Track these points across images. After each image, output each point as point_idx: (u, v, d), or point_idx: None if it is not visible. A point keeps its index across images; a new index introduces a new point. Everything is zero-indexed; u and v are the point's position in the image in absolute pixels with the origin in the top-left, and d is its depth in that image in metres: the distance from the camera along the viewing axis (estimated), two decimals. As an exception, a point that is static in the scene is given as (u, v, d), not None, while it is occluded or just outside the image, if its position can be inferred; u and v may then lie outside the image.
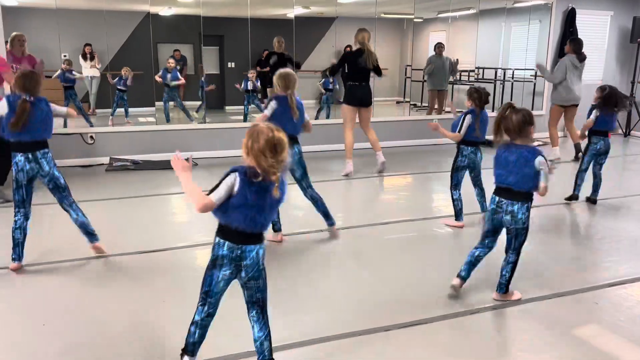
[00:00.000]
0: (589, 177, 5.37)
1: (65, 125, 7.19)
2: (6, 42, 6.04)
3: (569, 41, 7.59)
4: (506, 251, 3.24)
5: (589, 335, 2.95)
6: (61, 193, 3.69)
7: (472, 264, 3.28)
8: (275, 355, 2.46)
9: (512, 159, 3.03)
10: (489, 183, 3.52)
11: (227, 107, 9.80)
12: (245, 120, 8.60)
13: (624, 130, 9.73)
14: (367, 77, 6.46)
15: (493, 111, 7.42)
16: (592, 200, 5.39)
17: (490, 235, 3.25)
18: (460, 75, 10.17)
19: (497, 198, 3.15)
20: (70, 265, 3.78)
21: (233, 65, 9.96)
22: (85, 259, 3.86)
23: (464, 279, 3.29)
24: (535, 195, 3.10)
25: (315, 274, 3.74)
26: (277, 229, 4.30)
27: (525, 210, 3.09)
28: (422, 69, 9.68)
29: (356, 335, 2.88)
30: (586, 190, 5.45)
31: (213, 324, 2.42)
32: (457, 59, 9.32)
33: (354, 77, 6.46)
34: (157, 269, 3.74)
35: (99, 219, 4.83)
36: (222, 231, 2.26)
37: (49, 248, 4.00)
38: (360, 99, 6.48)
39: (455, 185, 4.57)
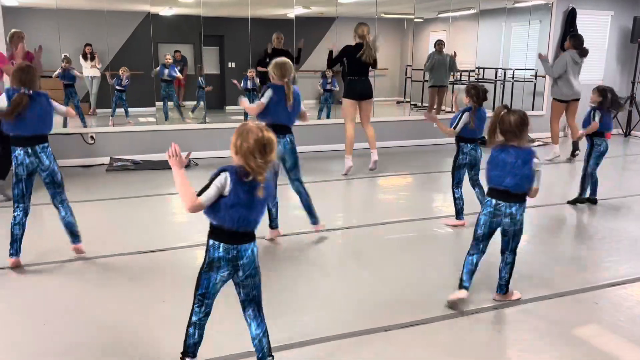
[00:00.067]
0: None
1: (65, 125, 7.19)
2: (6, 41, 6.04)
3: (569, 37, 7.61)
4: (503, 252, 3.22)
5: (589, 335, 2.95)
6: (56, 189, 3.70)
7: (473, 272, 3.21)
8: (275, 355, 2.46)
9: (510, 161, 2.99)
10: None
11: (227, 107, 9.80)
12: (245, 120, 8.59)
13: (625, 130, 9.73)
14: (367, 71, 6.47)
15: (493, 111, 7.40)
16: (592, 200, 5.39)
17: (485, 240, 3.18)
18: (461, 75, 10.17)
19: (494, 201, 3.09)
20: (70, 265, 3.77)
21: (233, 65, 9.96)
22: (85, 259, 3.86)
23: (468, 289, 3.19)
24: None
25: (315, 274, 3.74)
26: (274, 226, 4.30)
27: (522, 211, 3.09)
28: (422, 69, 9.69)
29: (356, 335, 2.88)
30: (577, 192, 5.44)
31: (213, 324, 2.42)
32: (455, 52, 9.30)
33: (353, 71, 6.46)
34: (157, 269, 3.74)
35: (99, 219, 4.85)
36: (215, 233, 2.25)
37: (49, 248, 4.00)
38: (361, 92, 6.49)
39: (457, 183, 4.57)
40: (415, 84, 10.49)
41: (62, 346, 2.76)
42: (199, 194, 2.16)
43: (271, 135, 2.19)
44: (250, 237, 2.29)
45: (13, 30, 5.84)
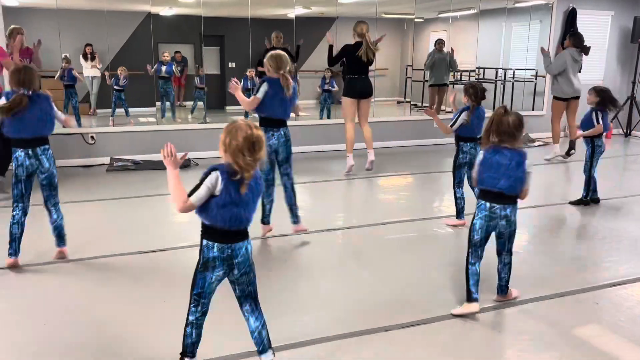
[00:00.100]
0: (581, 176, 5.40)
1: (64, 125, 7.19)
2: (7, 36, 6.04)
3: (569, 36, 7.61)
4: (500, 254, 3.20)
5: (589, 335, 2.95)
6: (51, 191, 3.69)
7: (478, 281, 3.13)
8: (275, 355, 2.46)
9: (505, 162, 2.96)
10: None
11: (227, 107, 9.80)
12: (246, 118, 8.59)
13: (625, 131, 9.73)
14: (367, 69, 6.45)
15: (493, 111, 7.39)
16: (595, 200, 5.40)
17: (482, 245, 3.12)
18: (461, 75, 10.17)
19: (488, 204, 3.04)
20: (70, 265, 3.78)
21: (234, 65, 9.97)
22: (84, 259, 3.86)
23: (478, 299, 3.11)
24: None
25: (315, 273, 3.74)
26: (266, 221, 4.28)
27: (516, 212, 3.08)
28: (422, 69, 9.69)
29: (356, 335, 2.88)
30: (577, 192, 5.44)
31: (212, 324, 2.42)
32: (452, 48, 9.28)
33: (353, 70, 6.44)
34: (157, 269, 3.74)
35: (99, 219, 4.86)
36: (208, 233, 2.25)
37: (49, 248, 3.99)
38: (361, 90, 6.48)
39: (459, 183, 4.57)
40: (416, 84, 10.49)
41: (62, 346, 2.76)
42: (190, 195, 2.16)
43: (260, 132, 2.18)
44: (244, 235, 2.29)
45: (12, 26, 5.83)
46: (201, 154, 6.96)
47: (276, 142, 4.06)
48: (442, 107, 9.61)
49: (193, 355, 2.41)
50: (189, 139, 7.24)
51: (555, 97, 7.59)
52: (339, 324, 2.99)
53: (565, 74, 7.35)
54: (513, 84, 9.96)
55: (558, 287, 3.49)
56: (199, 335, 2.40)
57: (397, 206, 5.48)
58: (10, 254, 3.64)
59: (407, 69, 10.66)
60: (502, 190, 2.99)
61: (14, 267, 3.65)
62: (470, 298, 3.10)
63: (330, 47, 6.54)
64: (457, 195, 4.62)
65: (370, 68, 6.51)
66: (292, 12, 8.36)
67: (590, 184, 5.32)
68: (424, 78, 9.99)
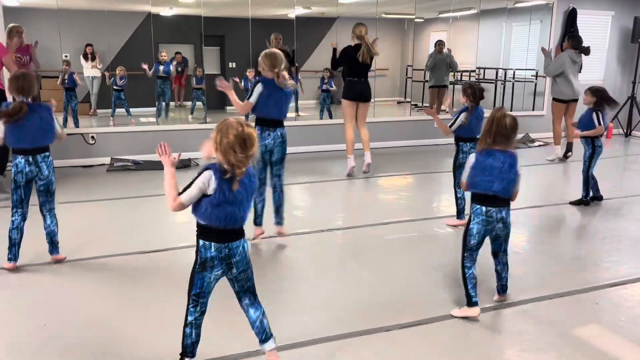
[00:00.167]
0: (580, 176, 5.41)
1: (65, 125, 7.20)
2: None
3: (568, 37, 7.62)
4: (496, 255, 3.19)
5: (589, 335, 2.95)
6: (47, 197, 3.68)
7: (476, 284, 3.11)
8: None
9: (498, 165, 2.95)
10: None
11: (228, 108, 9.80)
12: (246, 119, 8.57)
13: (625, 131, 9.73)
14: (367, 72, 6.41)
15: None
16: (598, 197, 5.41)
17: (478, 248, 3.11)
18: (462, 75, 10.17)
19: (484, 208, 3.02)
20: (70, 266, 3.77)
21: (234, 65, 9.97)
22: (85, 259, 3.86)
23: (478, 303, 3.09)
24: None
25: (316, 273, 3.74)
26: (258, 223, 4.23)
27: (510, 214, 3.08)
28: (423, 69, 9.69)
29: (356, 335, 2.88)
30: (577, 192, 5.45)
31: (212, 324, 2.42)
32: (449, 49, 9.27)
33: (353, 72, 6.41)
34: (157, 269, 3.74)
35: (99, 219, 4.86)
36: (204, 233, 2.25)
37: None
38: (360, 93, 6.45)
39: (459, 183, 4.58)
40: (416, 84, 10.49)
41: (62, 346, 2.76)
42: (181, 193, 2.16)
43: (251, 130, 2.19)
44: (240, 234, 2.29)
45: (11, 25, 5.82)
46: (201, 154, 6.97)
47: (271, 142, 4.03)
48: (442, 108, 9.61)
49: (193, 355, 2.41)
50: (189, 139, 7.23)
51: (554, 99, 7.59)
52: (339, 324, 2.99)
53: (563, 76, 7.35)
54: (513, 84, 9.96)
55: (558, 287, 3.49)
56: (198, 335, 2.40)
57: (397, 206, 5.48)
58: (9, 259, 3.65)
59: (407, 69, 10.65)
60: (497, 193, 2.98)
61: (12, 271, 3.65)
62: (470, 302, 3.08)
63: (334, 51, 6.55)
64: (458, 195, 4.63)
65: (370, 68, 6.51)
66: (293, 12, 8.36)
67: (588, 184, 5.33)
68: (424, 78, 9.99)
